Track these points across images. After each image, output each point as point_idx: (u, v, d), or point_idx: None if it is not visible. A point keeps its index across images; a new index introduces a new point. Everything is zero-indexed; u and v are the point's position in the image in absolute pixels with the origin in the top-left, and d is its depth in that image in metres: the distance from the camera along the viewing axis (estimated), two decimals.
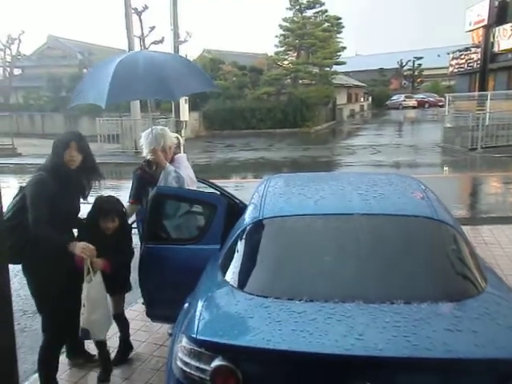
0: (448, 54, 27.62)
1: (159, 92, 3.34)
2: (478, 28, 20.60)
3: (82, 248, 2.66)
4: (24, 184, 2.78)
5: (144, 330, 3.65)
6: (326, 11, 29.54)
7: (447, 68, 28.38)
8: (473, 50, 22.93)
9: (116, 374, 3.04)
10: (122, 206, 3.07)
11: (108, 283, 2.84)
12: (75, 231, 2.95)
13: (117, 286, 3.05)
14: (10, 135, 17.54)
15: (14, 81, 29.40)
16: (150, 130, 3.45)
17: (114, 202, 3.00)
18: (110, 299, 3.08)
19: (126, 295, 3.25)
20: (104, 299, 2.85)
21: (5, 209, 2.51)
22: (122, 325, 3.26)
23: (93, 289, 2.73)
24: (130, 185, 3.58)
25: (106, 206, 2.92)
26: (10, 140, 17.40)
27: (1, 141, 17.43)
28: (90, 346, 3.18)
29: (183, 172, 3.36)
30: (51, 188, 2.64)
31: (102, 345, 3.03)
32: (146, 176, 3.49)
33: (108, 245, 2.85)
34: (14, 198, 2.75)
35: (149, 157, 3.42)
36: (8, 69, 29.47)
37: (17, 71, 30.75)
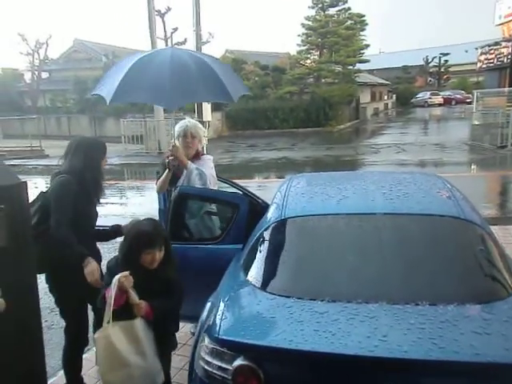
0: (476, 49, 26.91)
1: (218, 95, 3.33)
2: (509, 21, 20.02)
3: (89, 272, 2.44)
4: (44, 189, 2.70)
5: None
6: (349, 9, 29.42)
7: (475, 64, 27.68)
8: (503, 44, 22.23)
9: None
10: (163, 229, 2.49)
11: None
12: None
13: (162, 342, 2.32)
14: (38, 137, 18.09)
15: (42, 84, 30.18)
16: (183, 121, 3.52)
17: (157, 226, 2.35)
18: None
19: None
20: (129, 357, 2.15)
21: None
22: None
23: (102, 347, 2.16)
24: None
25: (150, 232, 2.24)
26: (38, 142, 17.93)
27: (30, 143, 17.97)
28: None
29: (206, 171, 3.36)
30: (74, 189, 2.60)
31: None
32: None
33: (152, 284, 2.25)
34: (33, 204, 2.60)
35: (177, 143, 3.37)
36: (36, 73, 30.28)
37: (44, 75, 31.57)
